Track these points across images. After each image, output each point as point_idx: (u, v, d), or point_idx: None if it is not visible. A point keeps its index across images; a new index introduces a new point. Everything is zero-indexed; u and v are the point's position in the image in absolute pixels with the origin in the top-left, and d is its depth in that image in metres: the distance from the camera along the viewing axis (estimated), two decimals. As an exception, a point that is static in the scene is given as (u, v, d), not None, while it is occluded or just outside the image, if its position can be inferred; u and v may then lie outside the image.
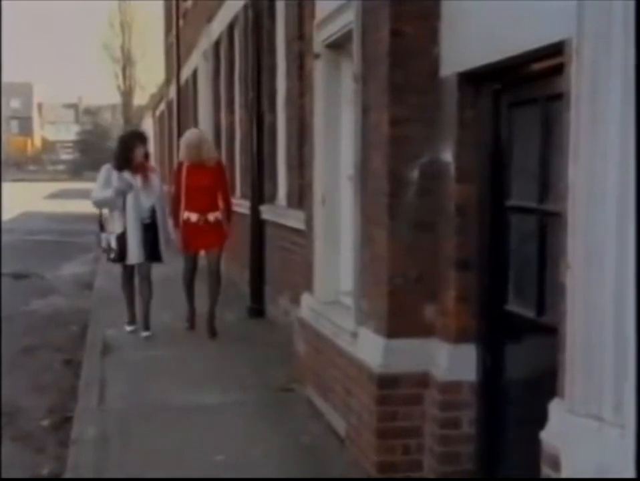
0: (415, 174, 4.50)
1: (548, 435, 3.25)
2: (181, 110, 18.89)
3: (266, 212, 9.32)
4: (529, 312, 3.92)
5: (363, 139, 4.88)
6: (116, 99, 69.18)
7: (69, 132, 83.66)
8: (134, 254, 8.08)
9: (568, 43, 3.13)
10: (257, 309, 9.46)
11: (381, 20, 4.56)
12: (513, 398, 4.20)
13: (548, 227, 3.75)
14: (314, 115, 5.97)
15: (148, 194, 8.12)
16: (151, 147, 36.44)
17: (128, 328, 8.52)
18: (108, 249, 8.12)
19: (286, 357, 7.44)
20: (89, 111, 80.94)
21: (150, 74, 56.61)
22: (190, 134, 8.61)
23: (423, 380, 4.51)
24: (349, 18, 5.08)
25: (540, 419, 3.35)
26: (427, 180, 4.50)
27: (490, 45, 4.01)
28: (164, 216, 8.32)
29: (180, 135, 13.25)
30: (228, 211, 8.47)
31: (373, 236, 4.71)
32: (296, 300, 8.07)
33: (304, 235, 7.28)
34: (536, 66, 3.83)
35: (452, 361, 4.38)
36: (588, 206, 2.96)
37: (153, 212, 8.18)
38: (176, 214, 8.41)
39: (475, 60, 4.15)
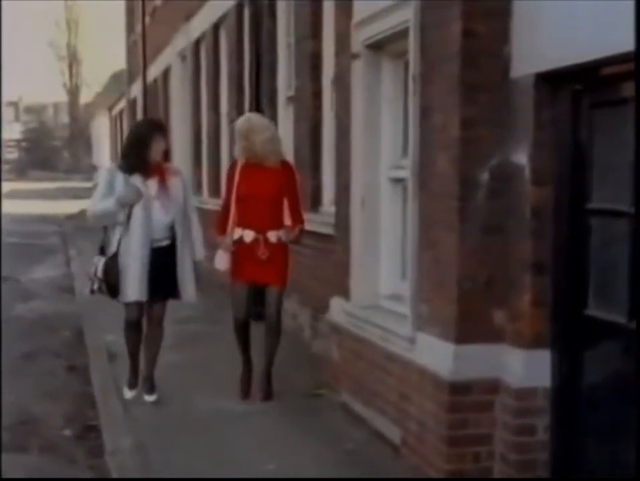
0: (485, 176, 4.42)
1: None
2: (147, 110, 18.60)
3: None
4: (618, 318, 3.87)
5: (422, 140, 4.78)
6: (59, 97, 68.10)
7: (12, 131, 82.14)
8: (133, 288, 5.89)
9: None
10: (260, 312, 9.28)
11: (449, 18, 4.47)
12: (593, 405, 4.14)
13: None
14: (352, 116, 5.85)
15: (166, 205, 5.95)
16: (106, 148, 36.26)
17: (127, 394, 6.37)
18: (92, 276, 5.94)
19: (303, 361, 7.32)
20: (31, 110, 79.50)
21: (96, 72, 56.07)
22: (240, 121, 6.28)
23: (493, 386, 4.42)
24: (404, 16, 4.98)
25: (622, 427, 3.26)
26: (498, 182, 4.41)
27: (572, 46, 3.95)
28: (190, 236, 6.18)
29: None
30: (299, 231, 6.23)
31: (437, 239, 4.61)
32: (304, 304, 7.97)
33: (319, 237, 7.20)
34: (621, 68, 3.78)
35: (527, 367, 4.31)
36: None
37: (172, 231, 6.02)
38: (222, 228, 6.22)
39: (555, 61, 4.08)
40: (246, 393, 6.26)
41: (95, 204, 6.01)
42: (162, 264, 5.95)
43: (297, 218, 6.18)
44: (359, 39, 5.71)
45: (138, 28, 19.83)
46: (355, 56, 5.77)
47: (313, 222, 7.16)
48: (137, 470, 5.02)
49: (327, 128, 7.69)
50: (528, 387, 4.31)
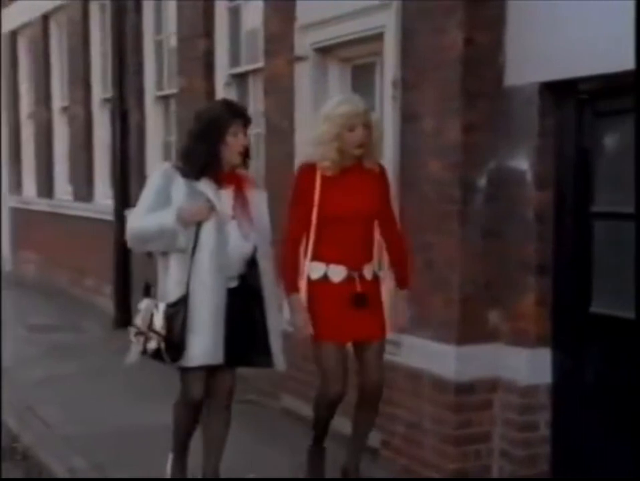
0: (483, 181, 4.54)
1: None
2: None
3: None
4: (623, 314, 4.12)
5: (406, 145, 4.83)
6: None
7: None
8: (206, 347, 4.07)
9: None
10: (124, 319, 8.93)
11: (445, 26, 4.54)
12: (594, 401, 4.37)
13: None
14: (295, 120, 5.79)
15: (245, 228, 4.21)
16: None
17: None
18: (146, 330, 4.06)
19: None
20: None
21: None
22: (351, 107, 4.23)
23: (494, 385, 4.56)
24: (377, 22, 5.01)
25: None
26: (495, 186, 4.55)
27: (578, 59, 4.16)
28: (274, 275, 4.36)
29: None
30: (404, 262, 4.46)
31: (430, 243, 4.67)
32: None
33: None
34: (625, 79, 4.03)
35: (531, 365, 4.47)
36: None
37: (254, 265, 4.24)
38: (293, 276, 4.29)
39: (561, 72, 4.27)
40: None
41: (140, 219, 4.16)
42: (238, 313, 4.17)
43: (399, 246, 4.46)
44: (306, 41, 5.66)
45: None
46: (301, 58, 5.72)
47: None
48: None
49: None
50: (532, 385, 4.48)
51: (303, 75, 5.73)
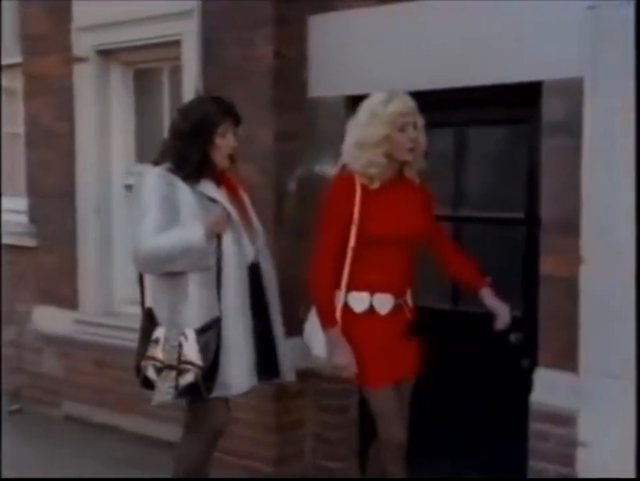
0: (293, 185, 4.88)
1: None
2: None
3: None
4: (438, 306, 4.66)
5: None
6: None
7: None
8: (245, 372, 3.70)
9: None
10: None
11: (253, 39, 4.80)
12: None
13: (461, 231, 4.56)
14: (75, 122, 5.71)
15: (251, 232, 3.85)
16: None
17: None
18: (176, 364, 3.52)
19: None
20: None
21: None
22: (385, 101, 3.60)
23: (309, 374, 4.88)
24: (173, 29, 5.13)
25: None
26: (305, 191, 4.90)
27: (374, 77, 4.61)
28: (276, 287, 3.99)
29: None
30: (473, 264, 3.86)
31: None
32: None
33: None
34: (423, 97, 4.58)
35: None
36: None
37: (256, 269, 3.84)
38: (329, 296, 3.61)
39: (361, 87, 4.65)
40: None
41: (154, 237, 3.54)
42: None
43: (461, 251, 3.91)
44: (87, 43, 5.61)
45: None
46: (81, 60, 5.65)
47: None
48: None
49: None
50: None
51: (84, 77, 5.68)
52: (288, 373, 3.93)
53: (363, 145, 3.56)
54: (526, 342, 4.25)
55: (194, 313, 3.57)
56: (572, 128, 3.91)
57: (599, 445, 3.87)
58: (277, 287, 3.94)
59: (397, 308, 3.65)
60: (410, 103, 3.61)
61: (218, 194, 3.71)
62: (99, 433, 5.63)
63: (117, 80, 5.71)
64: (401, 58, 4.53)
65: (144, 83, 5.74)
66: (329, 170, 4.84)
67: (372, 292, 3.60)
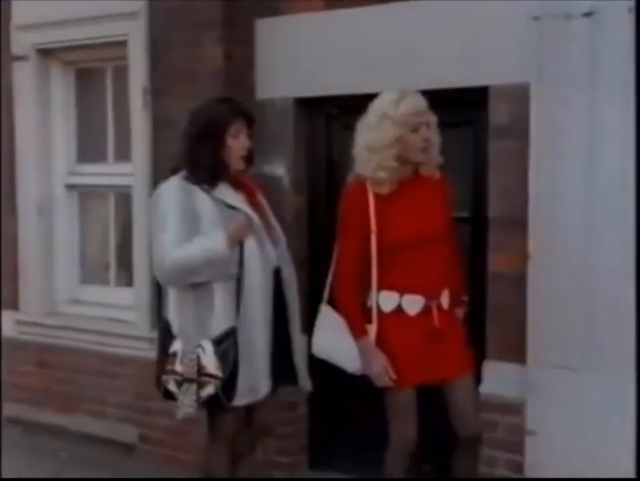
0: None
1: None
2: None
3: None
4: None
5: (157, 150, 5.05)
6: None
7: None
8: (263, 377, 3.72)
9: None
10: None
11: (201, 40, 4.85)
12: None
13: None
14: (16, 121, 5.65)
15: (272, 239, 3.81)
16: None
17: None
18: (196, 377, 3.50)
19: None
20: None
21: None
22: (396, 101, 3.52)
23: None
24: (119, 30, 5.14)
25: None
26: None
27: (323, 80, 4.76)
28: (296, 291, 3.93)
29: None
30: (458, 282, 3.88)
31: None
32: None
33: None
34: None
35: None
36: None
37: (276, 274, 3.76)
38: (355, 306, 3.61)
39: (310, 89, 4.83)
40: None
41: (179, 248, 3.48)
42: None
43: (460, 266, 3.92)
44: (26, 41, 5.57)
45: None
46: (21, 58, 5.60)
47: None
48: None
49: None
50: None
51: (23, 75, 5.63)
52: (305, 381, 3.92)
53: (373, 149, 3.49)
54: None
55: (214, 323, 3.54)
56: (519, 130, 4.10)
57: (546, 433, 4.07)
58: (297, 292, 3.88)
59: (427, 310, 3.57)
60: (422, 102, 3.52)
61: (238, 200, 3.66)
62: (44, 433, 5.59)
63: (57, 79, 5.68)
64: (348, 61, 4.65)
65: (87, 82, 5.72)
66: (278, 170, 4.95)
67: (401, 293, 3.55)
